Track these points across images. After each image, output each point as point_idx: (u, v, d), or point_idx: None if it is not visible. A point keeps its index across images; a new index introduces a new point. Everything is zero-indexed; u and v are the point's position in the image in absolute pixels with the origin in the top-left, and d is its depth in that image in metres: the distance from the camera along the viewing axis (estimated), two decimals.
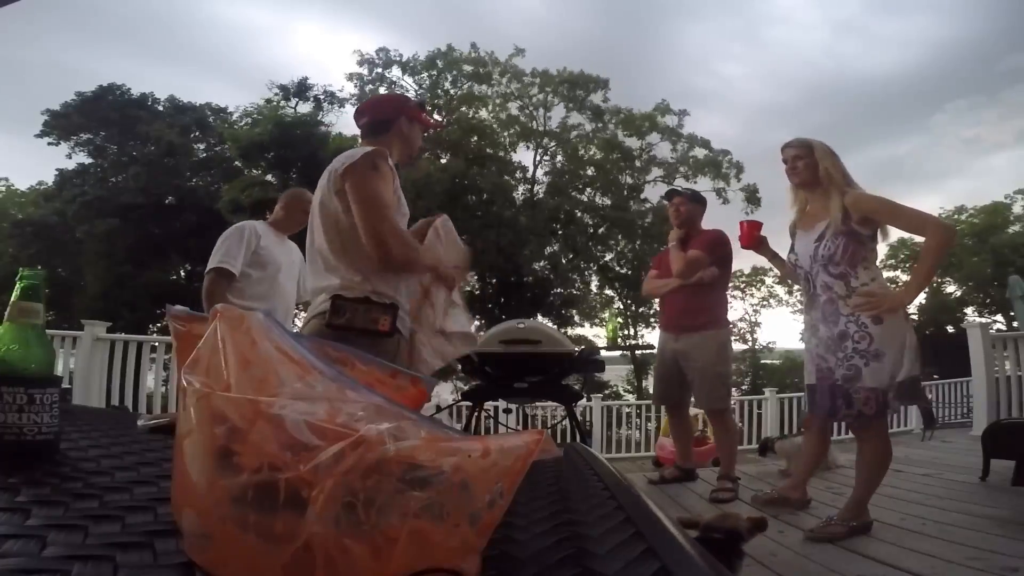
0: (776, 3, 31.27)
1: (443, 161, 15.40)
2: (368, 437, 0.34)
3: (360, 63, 16.73)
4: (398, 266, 1.58)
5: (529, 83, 17.14)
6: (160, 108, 17.80)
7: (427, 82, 17.04)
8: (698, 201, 3.23)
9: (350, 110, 17.34)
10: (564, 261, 16.71)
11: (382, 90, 16.67)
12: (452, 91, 17.10)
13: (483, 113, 17.01)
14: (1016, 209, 18.99)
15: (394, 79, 16.94)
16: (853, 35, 34.33)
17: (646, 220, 16.08)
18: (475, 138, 16.43)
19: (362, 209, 1.52)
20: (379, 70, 16.80)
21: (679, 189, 3.32)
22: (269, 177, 15.76)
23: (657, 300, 3.54)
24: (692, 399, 3.24)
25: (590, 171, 17.04)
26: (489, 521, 0.37)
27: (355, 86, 16.68)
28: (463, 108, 16.90)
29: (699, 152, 16.62)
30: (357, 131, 1.87)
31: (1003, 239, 18.07)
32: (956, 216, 20.25)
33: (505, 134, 17.21)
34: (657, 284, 3.22)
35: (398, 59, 16.79)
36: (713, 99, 32.68)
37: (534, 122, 17.28)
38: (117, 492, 0.58)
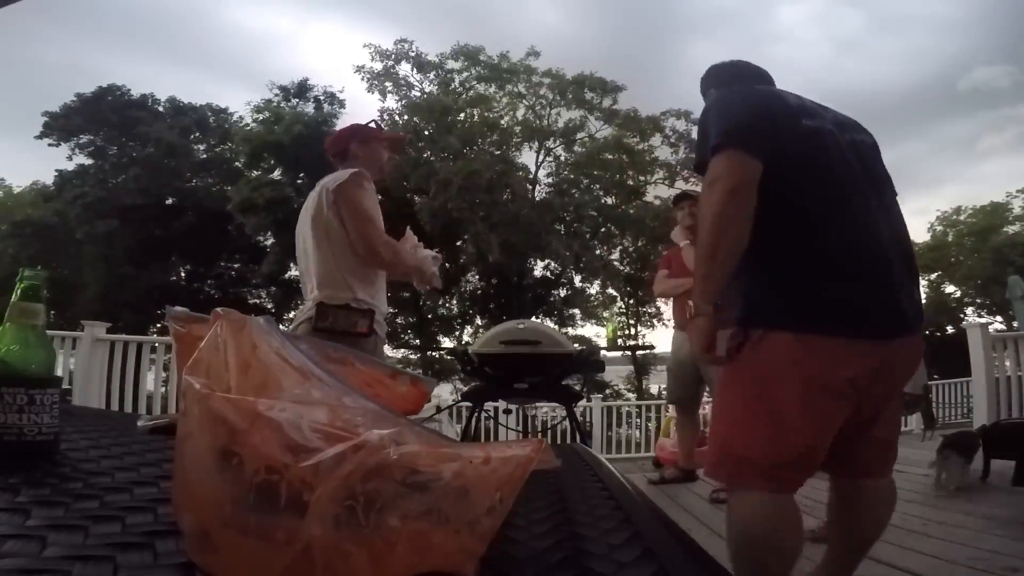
0: (779, 22, 31.61)
1: (452, 161, 15.30)
2: (370, 441, 0.34)
3: (372, 57, 16.55)
4: (385, 267, 1.88)
5: (538, 83, 17.06)
6: (160, 109, 17.79)
7: (436, 80, 16.93)
8: None
9: (350, 110, 17.30)
10: (568, 259, 16.67)
11: (389, 85, 16.62)
12: (462, 90, 16.98)
13: (495, 111, 16.90)
14: (1015, 209, 18.98)
15: (403, 74, 16.79)
16: (853, 52, 34.55)
17: (652, 220, 16.01)
18: (480, 139, 16.34)
19: (355, 221, 1.78)
20: (390, 62, 16.60)
21: (689, 192, 3.32)
22: (276, 175, 15.66)
23: (660, 300, 3.59)
24: (706, 394, 3.31)
25: (595, 171, 16.98)
26: (488, 528, 0.37)
27: (363, 79, 16.50)
28: (469, 109, 16.80)
29: None
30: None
31: (1003, 238, 18.04)
32: (954, 216, 20.25)
33: (518, 129, 17.11)
34: (671, 284, 3.19)
35: (412, 54, 16.60)
36: None
37: (539, 121, 17.20)
38: (117, 492, 0.58)
